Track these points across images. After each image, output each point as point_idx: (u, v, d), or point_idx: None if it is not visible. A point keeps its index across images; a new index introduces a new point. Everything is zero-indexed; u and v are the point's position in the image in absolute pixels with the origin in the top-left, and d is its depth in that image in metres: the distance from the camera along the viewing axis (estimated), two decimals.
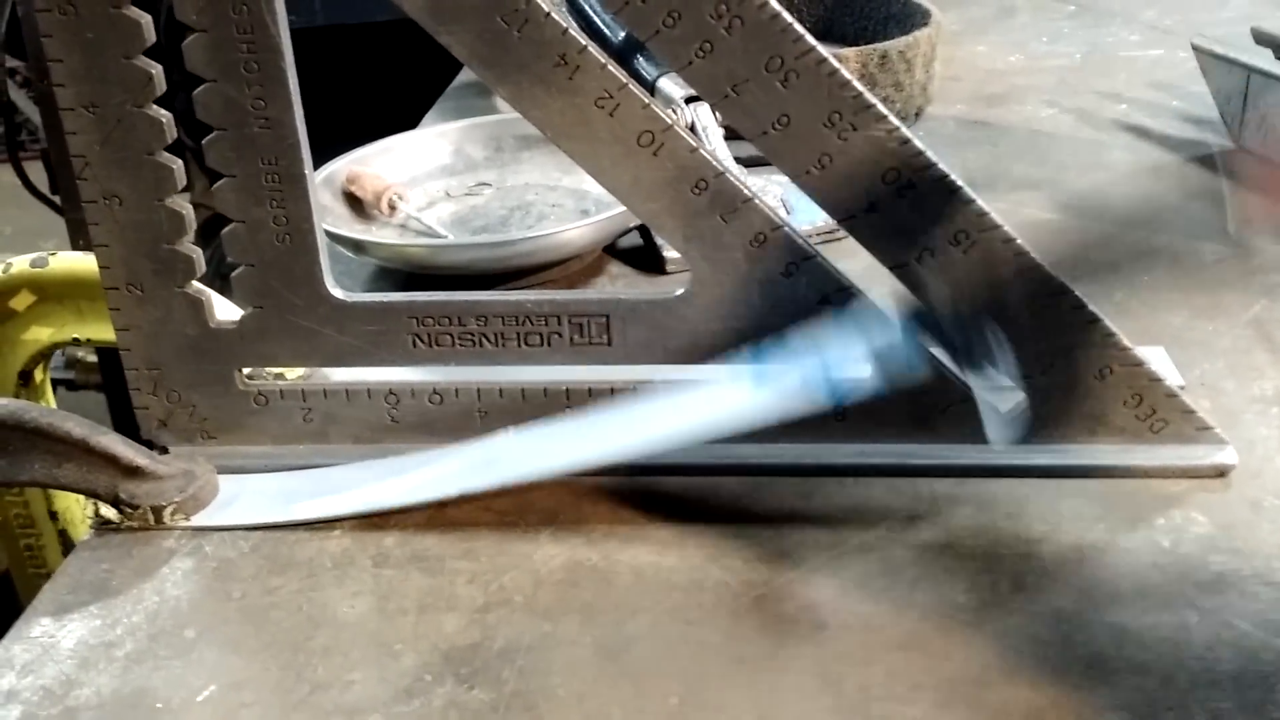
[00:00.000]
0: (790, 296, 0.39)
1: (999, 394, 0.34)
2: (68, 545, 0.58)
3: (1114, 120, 0.74)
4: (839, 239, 0.55)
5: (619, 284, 0.56)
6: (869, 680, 0.32)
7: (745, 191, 0.38)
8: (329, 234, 0.51)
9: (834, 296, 0.39)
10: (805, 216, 0.56)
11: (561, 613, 0.35)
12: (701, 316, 0.39)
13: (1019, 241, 0.37)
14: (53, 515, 0.58)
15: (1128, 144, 0.70)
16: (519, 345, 0.41)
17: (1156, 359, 0.42)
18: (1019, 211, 0.61)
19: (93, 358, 1.37)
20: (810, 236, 0.39)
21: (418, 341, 0.41)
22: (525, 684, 0.32)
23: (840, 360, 0.38)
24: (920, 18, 0.75)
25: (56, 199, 1.16)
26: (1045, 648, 0.32)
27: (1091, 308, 0.38)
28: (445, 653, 0.34)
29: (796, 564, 0.36)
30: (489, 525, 0.39)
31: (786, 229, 0.38)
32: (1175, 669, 0.31)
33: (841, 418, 0.40)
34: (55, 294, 0.53)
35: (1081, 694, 0.31)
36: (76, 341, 0.53)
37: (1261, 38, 0.67)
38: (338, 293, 0.40)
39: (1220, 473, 0.39)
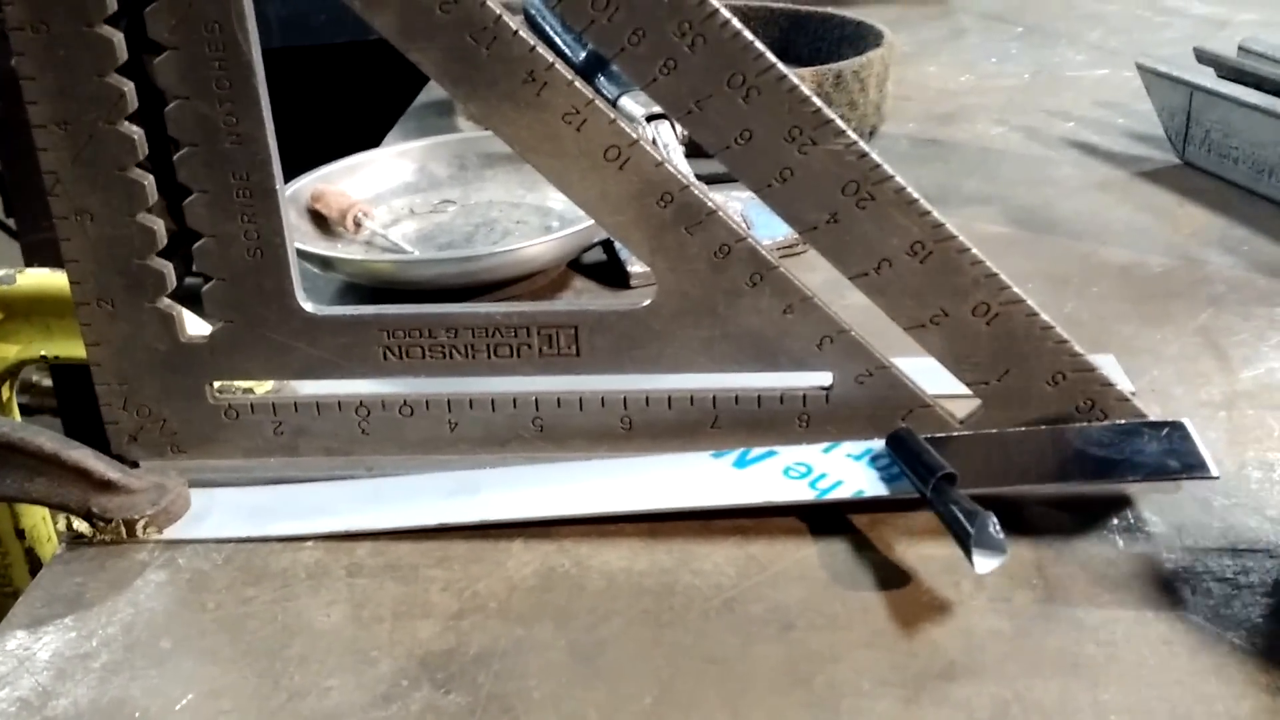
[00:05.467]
0: (754, 307, 0.40)
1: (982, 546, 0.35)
2: (35, 564, 0.58)
3: (1062, 138, 0.76)
4: (798, 253, 0.56)
5: (584, 298, 0.57)
6: (837, 677, 0.33)
7: (709, 204, 0.39)
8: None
9: (797, 306, 0.40)
10: (765, 232, 0.57)
11: (535, 618, 0.36)
12: (668, 327, 0.40)
13: (974, 251, 0.39)
14: (19, 533, 0.58)
15: (1076, 160, 0.72)
16: (489, 357, 0.41)
17: (1108, 366, 0.44)
18: (972, 226, 0.63)
19: (47, 382, 1.36)
20: (771, 251, 0.40)
21: (388, 354, 0.41)
22: (501, 687, 0.33)
23: (824, 464, 0.40)
24: (873, 39, 0.77)
25: (10, 222, 1.16)
26: (1008, 643, 0.33)
27: (1044, 316, 0.39)
28: (421, 659, 0.34)
29: (764, 567, 0.37)
30: (461, 534, 0.39)
31: (750, 240, 0.39)
32: (1135, 664, 0.32)
33: (805, 425, 0.42)
34: (23, 311, 0.52)
35: (1044, 688, 0.32)
36: (44, 359, 0.53)
37: (1204, 57, 0.69)
38: (308, 306, 0.40)
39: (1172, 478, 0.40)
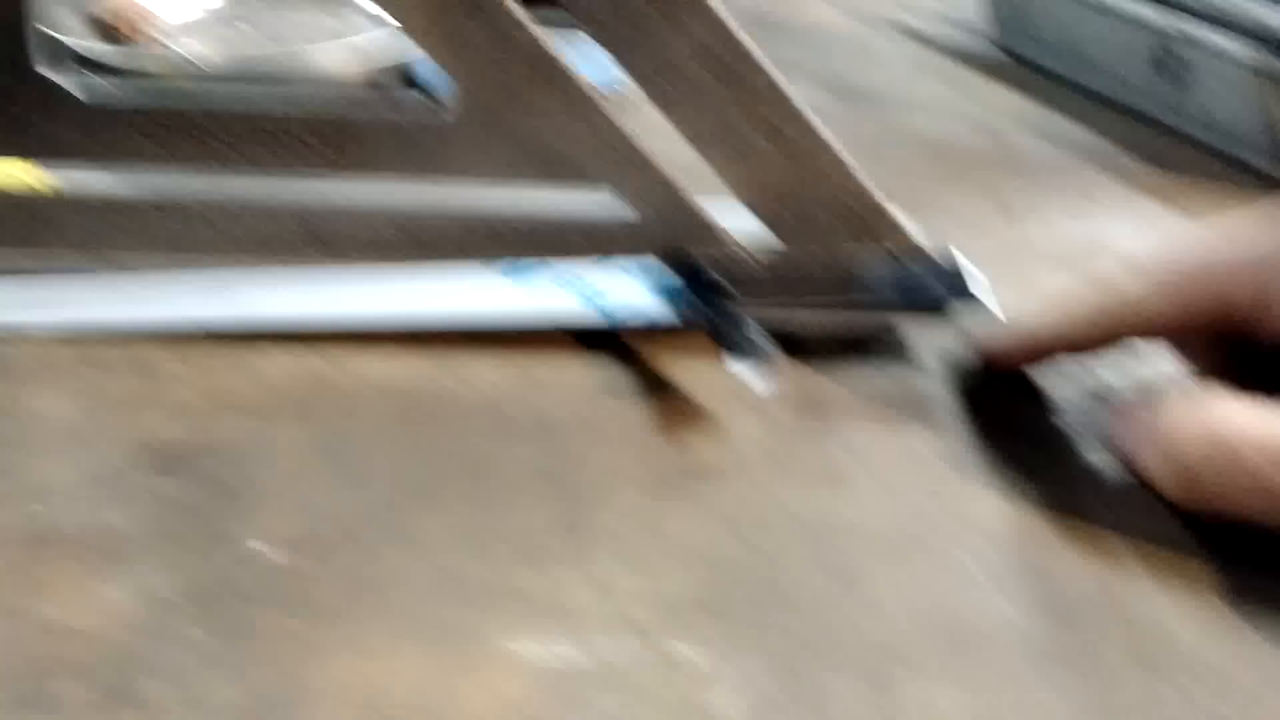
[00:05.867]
0: (539, 111, 0.38)
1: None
2: None
3: (889, 21, 0.76)
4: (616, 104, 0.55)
5: None
6: (588, 475, 0.32)
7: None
8: (73, 54, 0.47)
9: (584, 115, 0.38)
10: None
11: (279, 414, 0.34)
12: (452, 131, 0.38)
13: (765, 66, 0.38)
14: None
15: (900, 42, 0.72)
16: (254, 149, 0.38)
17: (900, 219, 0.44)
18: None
19: None
20: (559, 52, 0.38)
21: (144, 143, 0.38)
22: (231, 476, 0.31)
23: (611, 285, 0.38)
24: None
25: None
26: (761, 450, 0.33)
27: (831, 141, 0.39)
28: (149, 446, 0.32)
29: (531, 376, 0.36)
30: (212, 335, 0.37)
31: (537, 37, 0.37)
32: (883, 472, 0.33)
33: (589, 242, 0.40)
34: None
35: (790, 487, 0.32)
36: None
37: None
38: (55, 77, 0.37)
39: (944, 313, 0.40)
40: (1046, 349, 0.35)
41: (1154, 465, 0.30)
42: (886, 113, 0.60)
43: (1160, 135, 0.59)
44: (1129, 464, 0.31)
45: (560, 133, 0.38)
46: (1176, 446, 0.29)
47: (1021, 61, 0.68)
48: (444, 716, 0.24)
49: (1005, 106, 0.62)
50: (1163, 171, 0.54)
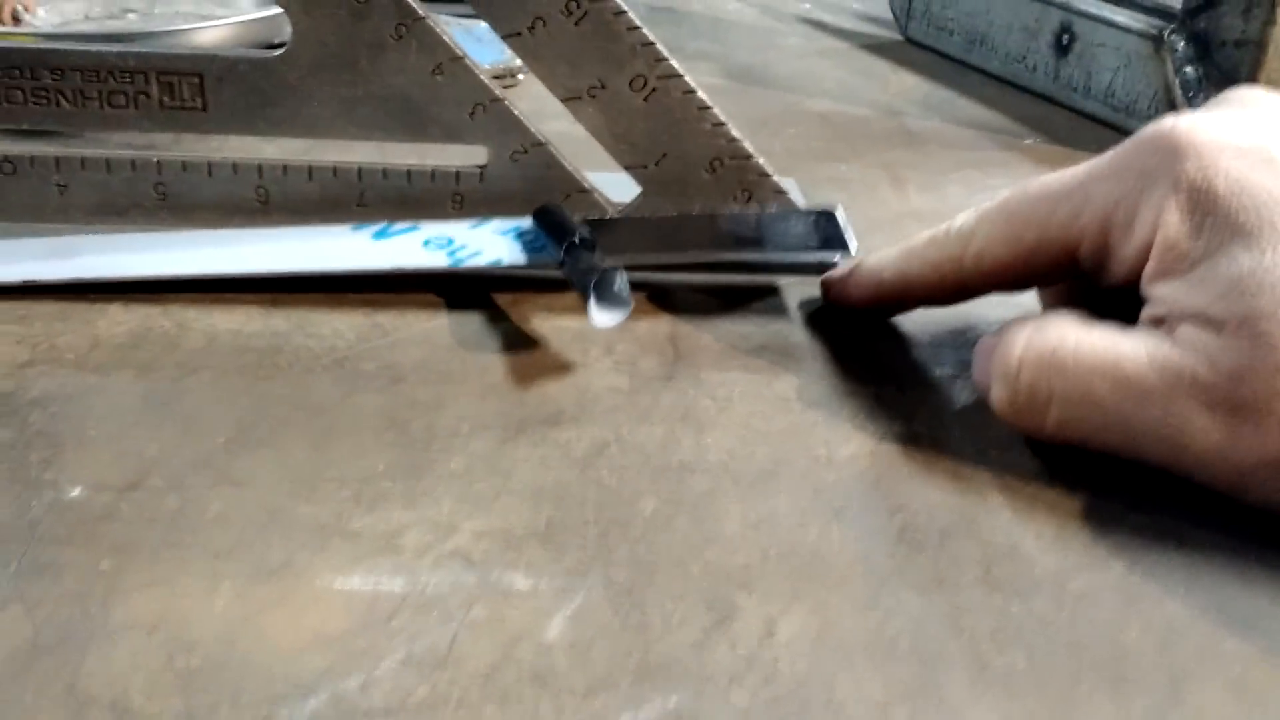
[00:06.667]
0: (400, 64, 0.37)
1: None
2: None
3: (795, 14, 0.76)
4: (509, 85, 0.54)
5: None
6: (436, 422, 0.30)
7: None
8: None
9: (447, 66, 0.37)
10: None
11: (115, 369, 0.32)
12: (304, 81, 0.37)
13: (630, 15, 0.37)
14: None
15: (804, 33, 0.72)
16: (101, 106, 0.37)
17: (789, 188, 0.43)
18: (690, 75, 0.61)
19: None
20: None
21: None
22: (54, 426, 0.29)
23: (468, 238, 0.37)
24: None
25: None
26: (623, 397, 0.32)
27: (703, 95, 0.38)
28: None
29: (387, 333, 0.35)
30: (52, 295, 0.35)
31: None
32: (746, 415, 0.31)
33: (459, 205, 0.39)
34: None
35: (648, 432, 0.30)
36: None
37: None
38: None
39: (821, 268, 0.39)
40: (892, 290, 0.34)
41: (994, 389, 0.29)
42: (788, 95, 0.59)
43: (1060, 113, 0.59)
44: (983, 395, 0.30)
45: (426, 90, 0.37)
46: (1012, 368, 0.28)
47: (928, 50, 0.68)
48: (249, 649, 0.23)
49: (908, 90, 0.61)
50: (1060, 146, 0.54)
